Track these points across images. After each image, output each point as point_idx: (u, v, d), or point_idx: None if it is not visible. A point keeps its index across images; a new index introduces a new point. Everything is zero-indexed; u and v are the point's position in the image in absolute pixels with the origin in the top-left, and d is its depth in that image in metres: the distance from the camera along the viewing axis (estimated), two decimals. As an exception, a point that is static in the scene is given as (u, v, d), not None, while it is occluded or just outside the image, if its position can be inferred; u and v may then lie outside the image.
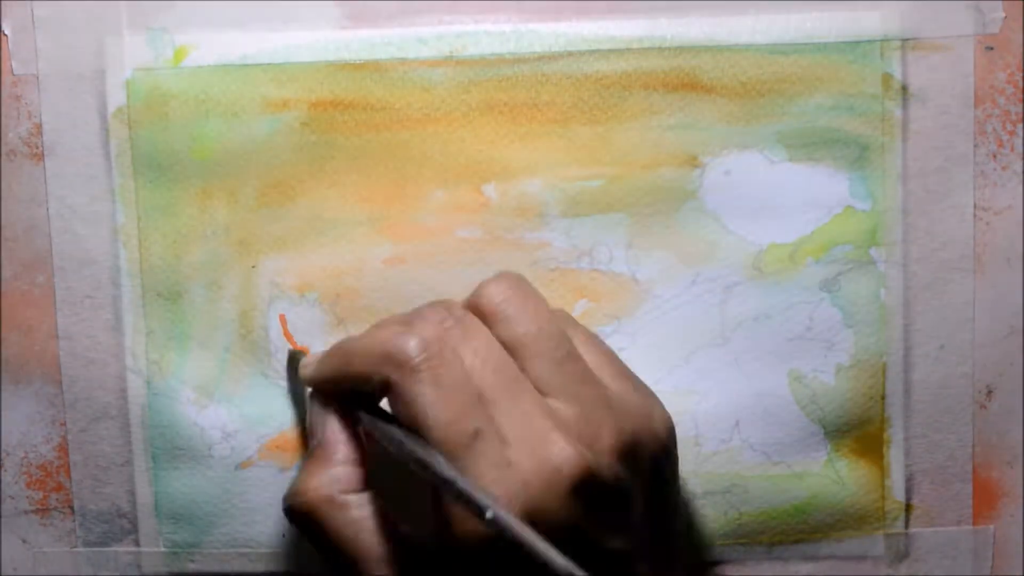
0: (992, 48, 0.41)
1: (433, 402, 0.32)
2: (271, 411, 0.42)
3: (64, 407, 0.42)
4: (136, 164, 0.41)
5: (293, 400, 0.42)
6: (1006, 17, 0.41)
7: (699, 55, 0.41)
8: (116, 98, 0.41)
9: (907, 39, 0.41)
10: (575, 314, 0.42)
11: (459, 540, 0.32)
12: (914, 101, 0.41)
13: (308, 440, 0.38)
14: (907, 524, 0.43)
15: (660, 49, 0.41)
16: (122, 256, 0.42)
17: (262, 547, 0.43)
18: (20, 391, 0.43)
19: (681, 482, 0.42)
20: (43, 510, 0.43)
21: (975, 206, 0.42)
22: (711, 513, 0.42)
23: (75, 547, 0.43)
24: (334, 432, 0.36)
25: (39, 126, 0.41)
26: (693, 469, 0.42)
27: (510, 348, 0.34)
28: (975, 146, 0.41)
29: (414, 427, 0.33)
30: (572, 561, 0.29)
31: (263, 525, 0.42)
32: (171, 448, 0.42)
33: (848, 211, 0.41)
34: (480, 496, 0.30)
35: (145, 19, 0.41)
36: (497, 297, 0.35)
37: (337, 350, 0.36)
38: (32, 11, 0.41)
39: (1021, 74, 0.41)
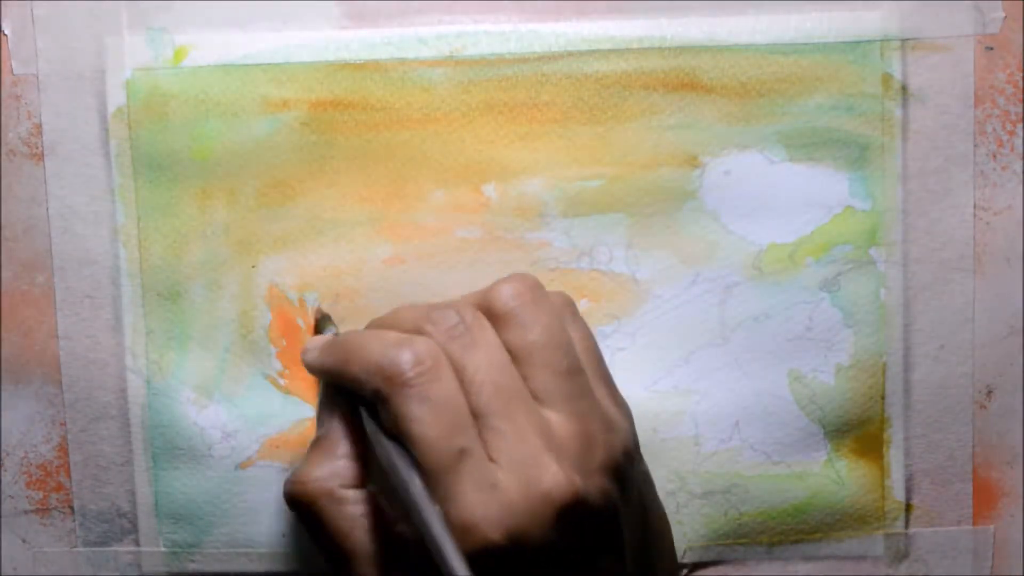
0: (992, 48, 0.41)
1: (420, 419, 0.32)
2: (271, 411, 0.42)
3: (64, 407, 0.42)
4: (136, 164, 0.41)
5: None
6: (1006, 17, 0.41)
7: (699, 55, 0.41)
8: (116, 98, 0.41)
9: (907, 39, 0.41)
10: (575, 314, 0.42)
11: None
12: (914, 101, 0.41)
13: (316, 425, 0.38)
14: (907, 524, 0.43)
15: (660, 49, 0.41)
16: (122, 256, 0.42)
17: (262, 547, 0.43)
18: (20, 391, 0.43)
19: (677, 485, 0.42)
20: (43, 510, 0.43)
21: (975, 206, 0.42)
22: (711, 513, 0.42)
23: (75, 547, 0.43)
24: (338, 425, 0.36)
25: (39, 126, 0.41)
26: (693, 469, 0.42)
27: (515, 353, 0.34)
28: (975, 146, 0.41)
29: (402, 441, 0.33)
30: None
31: (263, 525, 0.42)
32: (171, 448, 0.42)
33: (848, 211, 0.41)
34: (446, 551, 0.30)
35: (145, 19, 0.41)
36: (511, 300, 0.34)
37: (339, 345, 0.35)
38: (32, 11, 0.41)
39: (1021, 74, 0.41)
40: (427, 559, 0.32)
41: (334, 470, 0.35)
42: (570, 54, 0.41)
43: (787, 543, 0.43)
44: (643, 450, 0.42)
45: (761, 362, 0.42)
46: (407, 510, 0.32)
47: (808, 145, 0.41)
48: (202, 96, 0.41)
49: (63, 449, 0.43)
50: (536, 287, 0.35)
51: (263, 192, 0.41)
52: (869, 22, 0.41)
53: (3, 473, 0.43)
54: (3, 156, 0.41)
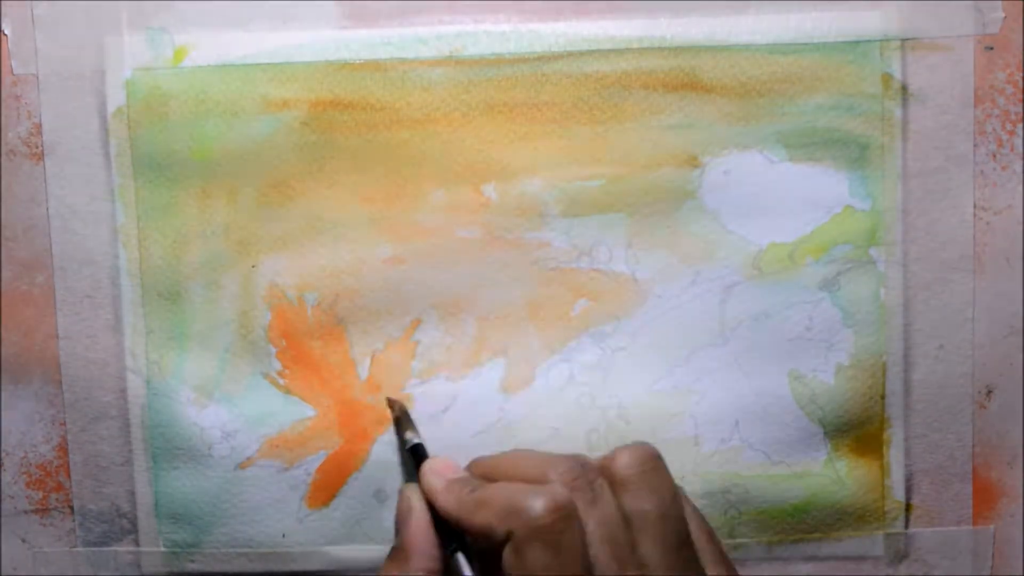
0: (992, 48, 0.41)
1: (548, 565, 0.33)
2: (271, 410, 0.42)
3: (64, 407, 0.42)
4: (136, 164, 0.41)
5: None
6: (1006, 17, 0.41)
7: (699, 55, 0.41)
8: (116, 98, 0.41)
9: (907, 39, 0.41)
10: (574, 313, 0.42)
11: None
12: (914, 101, 0.41)
13: (395, 529, 0.38)
14: (907, 524, 0.43)
15: (660, 49, 0.41)
16: (122, 256, 0.42)
17: (262, 547, 0.43)
18: (20, 391, 0.43)
19: (680, 483, 0.42)
20: (43, 510, 0.43)
21: (975, 206, 0.42)
22: (711, 513, 0.42)
23: (75, 547, 0.43)
24: (417, 538, 0.37)
25: (39, 126, 0.41)
26: (693, 469, 0.42)
27: (629, 520, 0.35)
28: (975, 146, 0.41)
29: None
30: None
31: (263, 525, 0.42)
32: (171, 448, 0.42)
33: (848, 211, 0.41)
34: None
35: (145, 19, 0.41)
36: (631, 467, 0.35)
37: (468, 493, 0.36)
38: (32, 11, 0.41)
39: (1021, 74, 0.41)
40: None
41: None
42: (570, 54, 0.41)
43: (787, 543, 0.43)
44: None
45: (761, 362, 0.42)
46: None
47: (808, 145, 0.41)
48: (202, 96, 0.41)
49: (63, 449, 0.43)
50: (656, 458, 0.36)
51: (263, 192, 0.41)
52: (869, 22, 0.41)
53: (3, 473, 0.43)
54: (3, 156, 0.42)
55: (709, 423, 0.42)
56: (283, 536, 0.42)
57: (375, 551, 0.43)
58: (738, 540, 0.43)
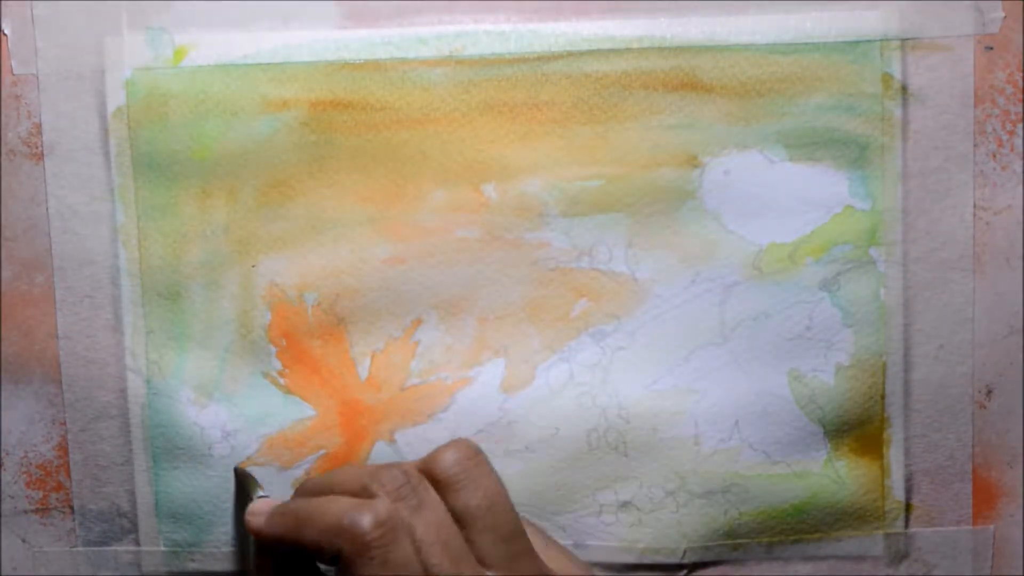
0: (992, 48, 0.41)
1: None
2: (271, 410, 0.42)
3: (64, 407, 0.42)
4: (136, 164, 0.41)
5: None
6: (1006, 17, 0.41)
7: (699, 55, 0.41)
8: (116, 98, 0.41)
9: (907, 39, 0.41)
10: (574, 314, 0.42)
11: None
12: (914, 101, 0.41)
13: None
14: (907, 524, 0.43)
15: (660, 49, 0.41)
16: (122, 256, 0.42)
17: (262, 547, 0.43)
18: (20, 391, 0.43)
19: (677, 484, 0.42)
20: (43, 510, 0.43)
21: (975, 206, 0.42)
22: (711, 513, 0.42)
23: (75, 547, 0.43)
24: None
25: (39, 126, 0.41)
26: (693, 468, 0.42)
27: (459, 518, 0.35)
28: (975, 146, 0.41)
29: None
30: None
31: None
32: (171, 448, 0.42)
33: (848, 211, 0.41)
34: None
35: (145, 19, 0.41)
36: (452, 467, 0.35)
37: (289, 513, 0.36)
38: (32, 11, 0.41)
39: (1021, 74, 0.41)
40: None
41: None
42: (570, 54, 0.41)
43: (787, 543, 0.43)
44: (643, 449, 0.42)
45: (761, 362, 0.42)
46: None
47: (808, 145, 0.41)
48: (202, 96, 0.41)
49: (63, 449, 0.43)
50: (477, 453, 0.36)
51: (263, 192, 0.41)
52: (869, 22, 0.41)
53: (3, 473, 0.43)
54: (3, 156, 0.42)
55: (709, 423, 0.42)
56: (283, 536, 0.42)
57: (375, 551, 0.43)
58: (738, 540, 0.43)
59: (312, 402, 0.42)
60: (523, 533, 0.36)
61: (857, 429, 0.42)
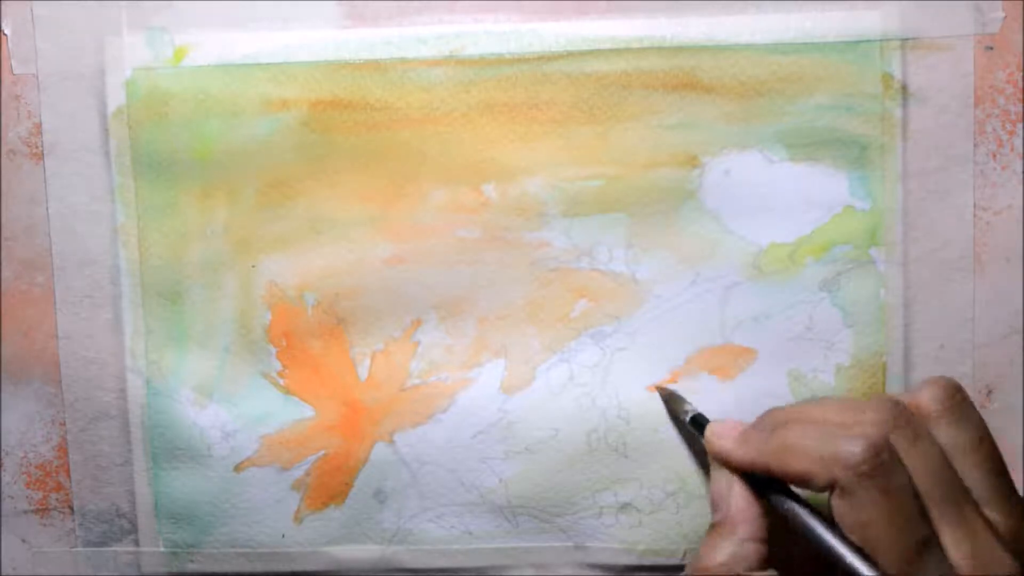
0: (992, 48, 0.41)
1: (883, 510, 0.32)
2: (271, 410, 0.42)
3: (64, 407, 0.42)
4: (136, 164, 0.41)
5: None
6: (1006, 17, 0.41)
7: (698, 55, 0.41)
8: (116, 98, 0.41)
9: (907, 39, 0.41)
10: (574, 314, 0.42)
11: None
12: (914, 101, 0.41)
13: (712, 508, 0.37)
14: (907, 524, 0.43)
15: (660, 49, 0.41)
16: (122, 256, 0.42)
17: (262, 547, 0.43)
18: (20, 391, 0.43)
19: (677, 485, 0.42)
20: (43, 510, 0.43)
21: (975, 206, 0.42)
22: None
23: (75, 547, 0.43)
24: (740, 508, 0.36)
25: (39, 126, 0.41)
26: (693, 469, 0.42)
27: (948, 452, 0.34)
28: (975, 146, 0.41)
29: (859, 532, 0.32)
30: None
31: (263, 525, 0.42)
32: (171, 448, 0.42)
33: (848, 211, 0.41)
34: None
35: (145, 19, 0.41)
36: (943, 400, 0.34)
37: (765, 440, 0.35)
38: (32, 11, 0.41)
39: (1021, 74, 0.41)
40: None
41: (738, 554, 0.35)
42: (570, 54, 0.41)
43: (787, 543, 0.43)
44: (643, 450, 0.42)
45: (761, 362, 0.42)
46: None
47: (808, 145, 0.41)
48: (202, 96, 0.41)
49: (63, 449, 0.43)
50: (961, 388, 0.35)
51: (263, 192, 0.41)
52: (869, 22, 0.41)
53: (3, 473, 0.43)
54: (3, 156, 0.42)
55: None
56: (283, 536, 0.42)
57: (375, 551, 0.43)
58: (738, 540, 0.42)
59: (312, 402, 0.42)
60: (1007, 471, 0.34)
61: (857, 429, 0.42)
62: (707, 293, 0.42)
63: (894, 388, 0.42)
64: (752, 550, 0.35)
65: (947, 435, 0.34)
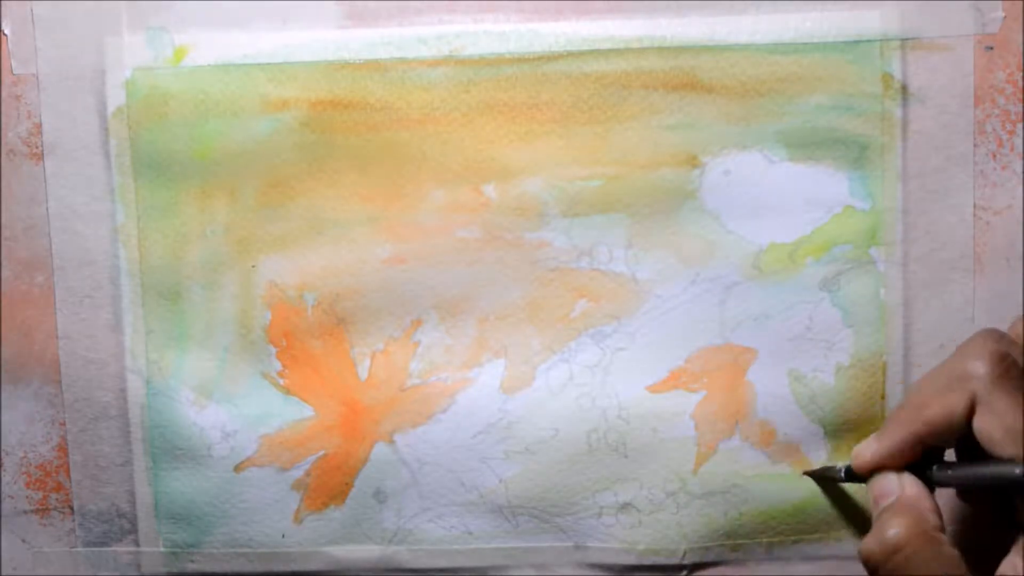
0: (992, 48, 0.41)
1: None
2: (270, 410, 0.42)
3: (64, 407, 0.42)
4: (136, 164, 0.41)
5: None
6: (1006, 17, 0.41)
7: (699, 55, 0.41)
8: (116, 98, 0.41)
9: (907, 39, 0.41)
10: (574, 314, 0.42)
11: None
12: (914, 101, 0.41)
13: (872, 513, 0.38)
14: (907, 524, 0.43)
15: (660, 49, 0.41)
16: (122, 256, 0.42)
17: (262, 547, 0.43)
18: (20, 391, 0.43)
19: (677, 485, 0.42)
20: (43, 510, 0.43)
21: (975, 206, 0.42)
22: (711, 513, 0.42)
23: (75, 547, 0.43)
24: (913, 486, 0.36)
25: (39, 126, 0.41)
26: (693, 469, 0.42)
27: None
28: (975, 146, 0.41)
29: (1011, 440, 0.33)
30: None
31: (263, 525, 0.42)
32: (171, 448, 0.42)
33: (848, 211, 0.41)
34: None
35: (145, 19, 0.41)
36: None
37: (895, 414, 0.36)
38: (32, 11, 0.41)
39: (1021, 74, 0.41)
40: None
41: (925, 518, 0.35)
42: (570, 54, 0.41)
43: (787, 543, 0.43)
44: (643, 450, 0.42)
45: (761, 362, 0.42)
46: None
47: (808, 145, 0.41)
48: (202, 96, 0.41)
49: (63, 449, 0.43)
50: None
51: (263, 192, 0.41)
52: (869, 22, 0.41)
53: (3, 473, 0.43)
54: (3, 156, 0.42)
55: (709, 423, 0.42)
56: (283, 536, 0.42)
57: (375, 551, 0.43)
58: (738, 541, 0.42)
59: (312, 402, 0.42)
60: None
61: (857, 429, 0.42)
62: (707, 293, 0.42)
63: (894, 388, 0.42)
64: (934, 517, 0.35)
65: None
